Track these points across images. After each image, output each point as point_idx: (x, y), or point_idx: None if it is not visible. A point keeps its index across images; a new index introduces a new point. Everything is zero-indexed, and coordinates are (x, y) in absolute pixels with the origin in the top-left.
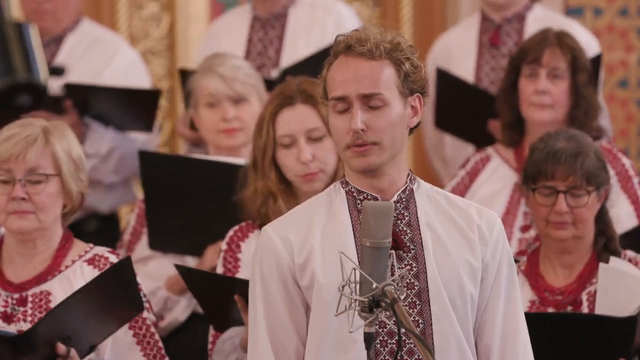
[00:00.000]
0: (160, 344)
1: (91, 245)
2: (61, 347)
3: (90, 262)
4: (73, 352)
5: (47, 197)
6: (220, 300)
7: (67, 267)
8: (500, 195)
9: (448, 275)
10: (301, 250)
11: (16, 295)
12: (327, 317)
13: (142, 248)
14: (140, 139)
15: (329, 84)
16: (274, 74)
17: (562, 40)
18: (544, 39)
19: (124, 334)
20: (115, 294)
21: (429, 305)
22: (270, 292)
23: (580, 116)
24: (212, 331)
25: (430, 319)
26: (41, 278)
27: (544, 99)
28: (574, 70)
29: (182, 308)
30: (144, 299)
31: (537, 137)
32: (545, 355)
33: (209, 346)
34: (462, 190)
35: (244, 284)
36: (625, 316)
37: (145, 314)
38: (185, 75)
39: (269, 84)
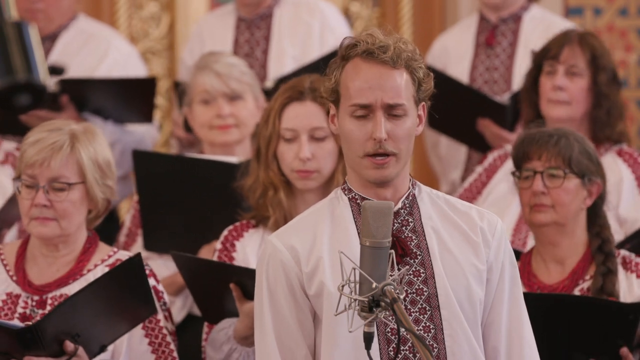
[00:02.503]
0: (175, 354)
1: (115, 249)
2: (69, 345)
3: (112, 266)
4: (81, 350)
5: (70, 204)
6: (215, 289)
7: (89, 271)
8: (517, 195)
9: (455, 279)
10: (308, 259)
11: (36, 298)
12: (341, 326)
13: (137, 250)
14: (139, 131)
15: (347, 88)
16: (269, 83)
17: (584, 39)
18: (565, 37)
19: (140, 341)
20: (126, 292)
21: (439, 311)
22: (278, 302)
23: (602, 115)
24: (206, 325)
25: (441, 324)
26: (62, 281)
27: (560, 95)
28: (594, 69)
29: (178, 309)
30: (163, 307)
31: None
32: (546, 335)
33: (204, 336)
34: (479, 187)
35: (240, 271)
36: (631, 302)
37: (162, 322)
38: (179, 86)
39: (265, 94)
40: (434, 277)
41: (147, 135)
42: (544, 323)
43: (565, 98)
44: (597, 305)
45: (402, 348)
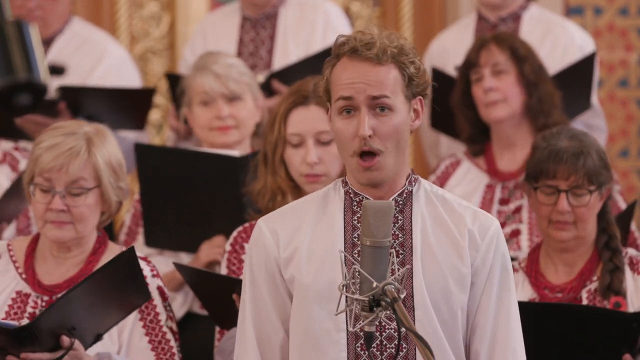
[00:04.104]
0: (175, 351)
1: (124, 248)
2: (66, 340)
3: None
4: (77, 343)
5: (86, 208)
6: (222, 298)
7: None
8: (473, 197)
9: (433, 280)
10: (287, 246)
11: (46, 298)
12: (308, 318)
13: (137, 248)
14: (131, 137)
15: (334, 85)
16: (260, 78)
17: (499, 37)
18: (480, 41)
19: (140, 339)
20: (120, 285)
21: (413, 311)
22: (258, 286)
23: (534, 104)
24: (218, 327)
25: (414, 324)
26: (71, 282)
27: (493, 95)
28: (517, 62)
29: (179, 304)
30: (168, 308)
31: (502, 137)
32: (550, 346)
33: (216, 343)
34: None
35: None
36: (633, 312)
37: (164, 321)
38: (172, 78)
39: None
40: (411, 278)
41: (138, 140)
42: (545, 331)
43: (499, 97)
44: (600, 315)
45: (388, 346)
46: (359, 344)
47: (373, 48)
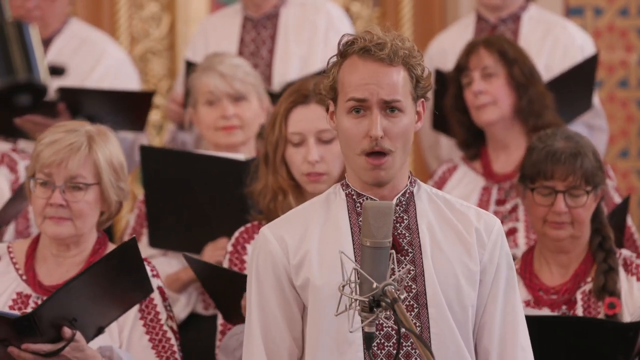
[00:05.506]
0: (175, 349)
1: None
2: (67, 331)
3: None
4: (78, 335)
5: (85, 205)
6: (230, 294)
7: None
8: (469, 200)
9: (445, 278)
10: (297, 252)
11: (45, 298)
12: (323, 319)
13: (141, 249)
14: (129, 138)
15: (344, 85)
16: (277, 88)
17: (488, 41)
18: (470, 45)
19: (140, 337)
20: (122, 276)
21: (427, 309)
22: (265, 293)
23: (524, 106)
24: (220, 327)
25: (428, 322)
26: None
27: (482, 98)
28: (506, 64)
29: (182, 306)
30: (168, 307)
31: (496, 140)
32: (549, 356)
33: (217, 343)
34: None
35: None
36: (630, 322)
37: (164, 320)
38: (190, 66)
39: (272, 97)
40: (423, 275)
41: (137, 142)
42: (544, 343)
43: (488, 100)
44: (598, 325)
45: (386, 344)
46: (375, 344)
47: (385, 49)
